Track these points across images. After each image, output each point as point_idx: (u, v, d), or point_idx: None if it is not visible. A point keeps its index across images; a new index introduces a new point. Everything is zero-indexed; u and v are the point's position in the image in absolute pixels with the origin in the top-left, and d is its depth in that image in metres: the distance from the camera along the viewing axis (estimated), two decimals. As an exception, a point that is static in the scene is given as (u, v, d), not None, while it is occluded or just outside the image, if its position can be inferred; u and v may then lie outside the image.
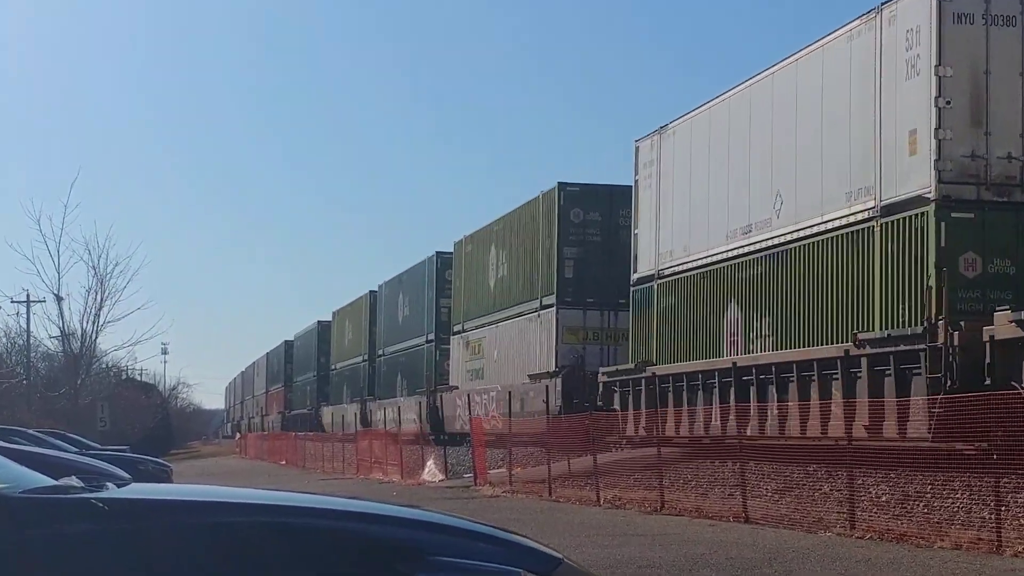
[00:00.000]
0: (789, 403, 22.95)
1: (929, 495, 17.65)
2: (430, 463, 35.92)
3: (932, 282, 19.43)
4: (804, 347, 22.99)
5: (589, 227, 37.06)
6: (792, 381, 23.07)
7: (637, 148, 31.16)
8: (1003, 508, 14.52)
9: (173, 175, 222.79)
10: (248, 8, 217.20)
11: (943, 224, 19.55)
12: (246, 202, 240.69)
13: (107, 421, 53.37)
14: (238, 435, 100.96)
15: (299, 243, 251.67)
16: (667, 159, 29.43)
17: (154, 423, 68.66)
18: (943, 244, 19.51)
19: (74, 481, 4.54)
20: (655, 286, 29.83)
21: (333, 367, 73.05)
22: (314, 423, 73.03)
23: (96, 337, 53.48)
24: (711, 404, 26.08)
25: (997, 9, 19.79)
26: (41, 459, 14.26)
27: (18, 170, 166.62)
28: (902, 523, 16.02)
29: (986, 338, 18.26)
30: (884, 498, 18.18)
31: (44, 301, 54.60)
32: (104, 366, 62.99)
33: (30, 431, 27.53)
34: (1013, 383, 17.38)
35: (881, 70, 20.91)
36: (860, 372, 20.91)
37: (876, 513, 16.96)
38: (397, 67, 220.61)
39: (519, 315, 39.91)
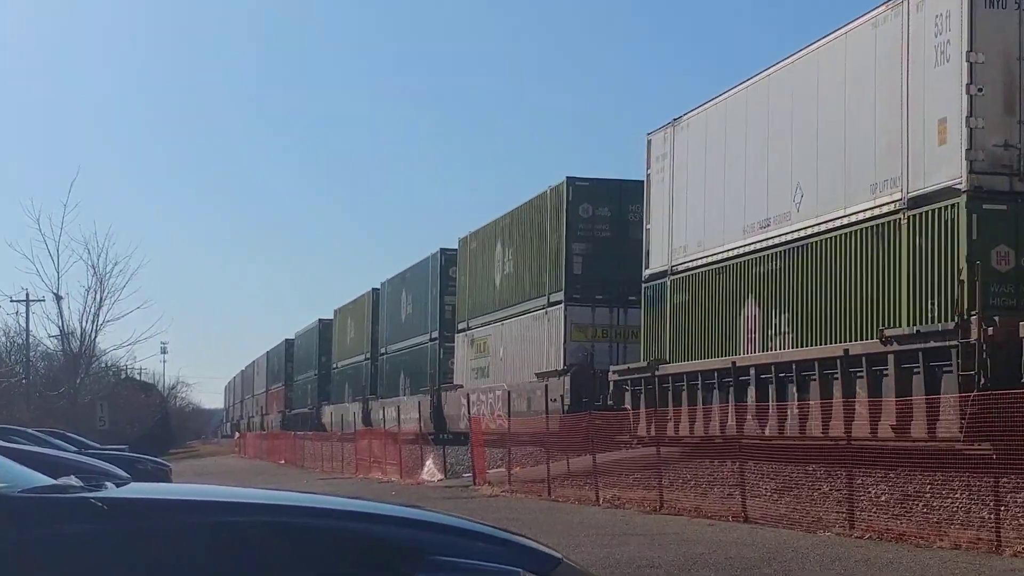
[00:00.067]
0: (810, 402, 22.23)
1: (928, 495, 17.54)
2: (429, 463, 35.83)
3: (964, 276, 18.72)
4: (826, 344, 22.27)
5: (598, 223, 36.35)
6: (814, 379, 22.34)
7: (649, 141, 30.42)
8: (1002, 508, 14.45)
9: (172, 174, 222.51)
10: (248, 8, 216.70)
11: (975, 216, 18.84)
12: (246, 201, 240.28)
13: (106, 420, 53.44)
14: (237, 434, 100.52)
15: (299, 242, 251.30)
16: (681, 152, 28.70)
17: (153, 422, 69.19)
18: (975, 237, 18.79)
19: (73, 480, 4.54)
20: (668, 282, 29.11)
21: (334, 366, 72.32)
22: (315, 422, 72.36)
23: (95, 336, 53.80)
24: (727, 403, 25.36)
25: (1031, -7, 19.09)
26: (40, 458, 14.11)
27: (18, 169, 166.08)
28: (901, 523, 15.98)
29: (1022, 334, 17.56)
30: (883, 498, 18.06)
31: (43, 300, 54.76)
32: (103, 365, 63.35)
33: (29, 430, 27.44)
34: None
35: (909, 57, 20.19)
36: (887, 370, 20.20)
37: (875, 513, 16.89)
38: (398, 64, 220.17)
39: (526, 312, 39.18)
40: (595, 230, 36.34)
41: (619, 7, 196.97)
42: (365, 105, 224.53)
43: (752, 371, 24.42)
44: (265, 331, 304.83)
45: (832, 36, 22.66)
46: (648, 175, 30.57)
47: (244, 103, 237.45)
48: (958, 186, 19.04)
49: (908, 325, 19.87)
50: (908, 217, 20.14)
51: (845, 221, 21.95)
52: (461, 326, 46.41)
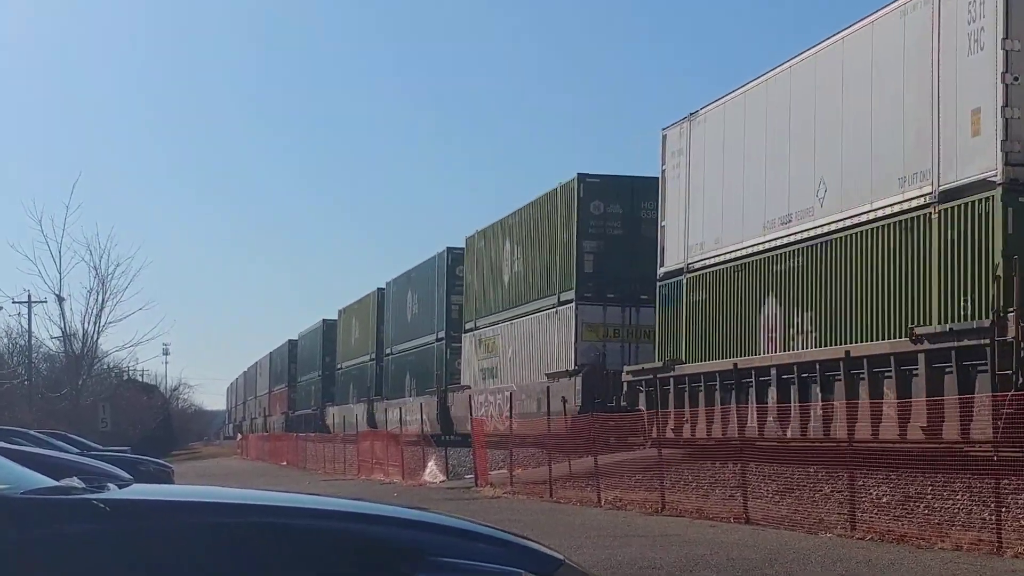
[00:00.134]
0: (835, 403, 21.52)
1: (930, 496, 17.45)
2: (431, 464, 35.64)
3: (999, 272, 18.01)
4: (851, 343, 21.57)
5: (610, 220, 35.66)
6: (838, 380, 21.63)
7: (664, 136, 29.72)
8: (1003, 509, 14.41)
9: (174, 175, 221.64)
10: (248, 8, 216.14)
11: (1010, 209, 18.14)
12: (248, 202, 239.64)
13: (108, 422, 53.32)
14: (239, 436, 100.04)
15: (300, 243, 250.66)
16: (697, 147, 28.00)
17: (155, 424, 69.28)
18: (1011, 231, 18.09)
19: (75, 482, 4.53)
20: (684, 280, 28.42)
21: (339, 366, 71.63)
22: (319, 424, 71.70)
23: (97, 338, 53.92)
24: (747, 404, 24.64)
25: (1069, -22, 18.39)
26: (42, 460, 14.12)
27: (19, 170, 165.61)
28: (903, 524, 15.96)
29: (1062, 332, 16.90)
30: (885, 499, 17.95)
31: (45, 302, 54.79)
32: (105, 367, 63.56)
33: (31, 432, 27.57)
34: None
35: (939, 45, 19.50)
36: (917, 370, 19.50)
37: (877, 514, 16.85)
38: (398, 64, 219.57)
39: (536, 311, 38.48)
40: (607, 227, 35.66)
41: (619, 7, 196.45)
42: (365, 105, 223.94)
43: (773, 371, 23.73)
44: (267, 332, 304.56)
45: (858, 25, 21.97)
46: (663, 171, 29.87)
47: (244, 103, 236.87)
48: (993, 178, 18.34)
49: (940, 323, 19.19)
50: (939, 211, 19.44)
51: (871, 216, 21.26)
52: (468, 326, 45.72)
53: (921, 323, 19.61)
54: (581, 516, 20.17)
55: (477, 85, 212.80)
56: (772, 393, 23.82)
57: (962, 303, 18.88)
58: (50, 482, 4.60)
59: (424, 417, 47.65)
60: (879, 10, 21.31)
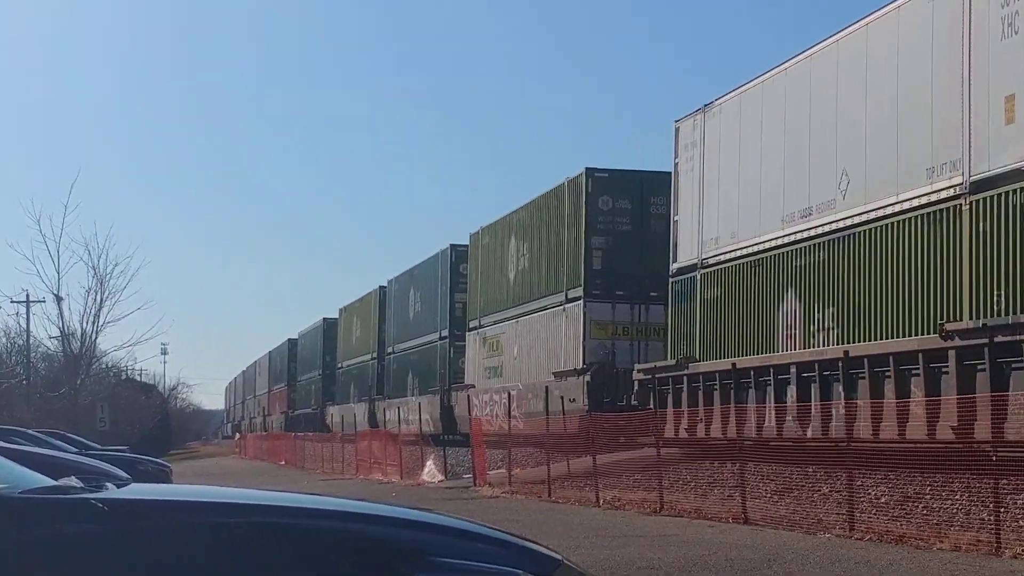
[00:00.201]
0: (859, 402, 20.77)
1: (928, 496, 17.42)
2: (429, 464, 35.53)
3: (1036, 265, 17.30)
4: (876, 340, 20.83)
5: (619, 215, 34.88)
6: (863, 378, 20.90)
7: (677, 129, 28.98)
8: (1002, 510, 14.40)
9: (173, 175, 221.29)
10: (248, 8, 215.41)
11: (1047, 200, 17.43)
12: (247, 202, 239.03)
13: (107, 421, 53.12)
14: (238, 435, 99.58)
15: (300, 242, 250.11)
16: (712, 139, 27.26)
17: (153, 423, 68.69)
18: (1047, 222, 17.38)
19: (74, 481, 4.52)
20: (698, 276, 27.66)
21: (339, 365, 70.83)
22: (319, 423, 70.97)
23: (96, 337, 53.66)
24: (765, 403, 23.94)
25: (1107, -41, 17.64)
26: (41, 459, 14.04)
27: (18, 170, 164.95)
28: (901, 525, 15.96)
29: (1105, 327, 16.17)
30: (883, 499, 17.88)
31: (44, 301, 54.72)
32: (104, 366, 63.24)
33: (30, 431, 27.49)
34: None
35: (971, 30, 18.76)
36: (947, 367, 18.75)
37: (875, 515, 16.84)
38: (398, 64, 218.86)
39: (542, 309, 37.70)
40: (615, 223, 34.88)
41: (619, 7, 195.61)
42: (365, 105, 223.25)
43: (793, 369, 22.99)
44: (266, 332, 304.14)
45: (882, 11, 21.22)
46: (675, 164, 29.13)
47: (244, 103, 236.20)
48: (1028, 168, 17.63)
49: (971, 318, 18.44)
50: (970, 202, 18.70)
51: (897, 208, 20.51)
52: (472, 324, 44.95)
53: (951, 319, 18.88)
54: (579, 516, 20.12)
55: (477, 85, 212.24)
56: (791, 392, 23.10)
57: (995, 297, 18.14)
58: (48, 481, 4.59)
59: (427, 416, 47.01)
60: (906, -6, 20.59)
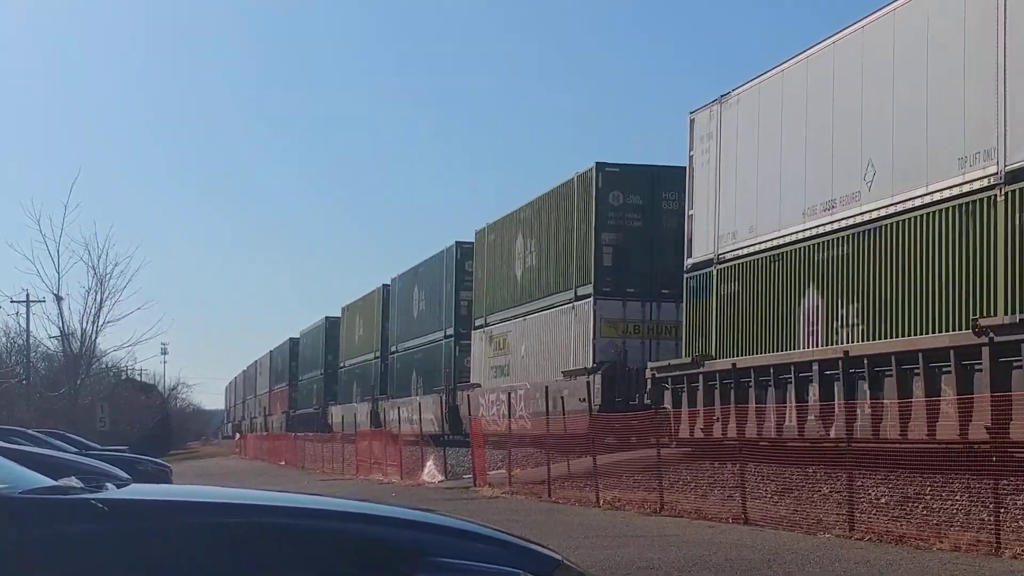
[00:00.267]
0: (885, 401, 20.05)
1: (928, 497, 17.36)
2: (429, 464, 35.41)
3: (1078, 257, 16.56)
4: (905, 336, 20.09)
5: (629, 211, 34.11)
6: (890, 375, 20.16)
7: (692, 121, 28.22)
8: (1002, 510, 14.38)
9: (173, 175, 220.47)
10: (248, 8, 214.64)
11: (1089, 190, 16.70)
12: (246, 201, 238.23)
13: (106, 421, 53.01)
14: (238, 435, 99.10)
15: (300, 242, 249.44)
16: (729, 131, 26.50)
17: (153, 423, 68.70)
18: (1089, 213, 16.65)
19: (74, 481, 4.53)
20: (714, 272, 26.90)
21: (342, 365, 70.05)
22: (321, 423, 70.24)
23: (96, 337, 53.67)
24: (785, 402, 23.20)
25: None
26: (40, 459, 14.01)
27: (18, 170, 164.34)
28: (901, 525, 15.95)
29: None
30: (883, 500, 17.81)
31: (44, 301, 54.85)
32: (104, 366, 63.36)
33: (30, 431, 27.56)
34: None
35: (1006, 12, 18.02)
36: (980, 364, 18.01)
37: (875, 515, 16.81)
38: (398, 64, 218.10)
39: (551, 307, 36.94)
40: (626, 219, 34.12)
41: (619, 7, 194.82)
42: (365, 105, 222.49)
43: (815, 367, 22.24)
44: (266, 332, 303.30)
45: (910, -4, 20.49)
46: (690, 157, 28.36)
47: (244, 103, 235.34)
48: (1069, 157, 16.89)
49: (1007, 314, 17.70)
50: (1006, 193, 17.95)
51: (927, 200, 19.75)
52: (478, 322, 44.19)
53: (985, 314, 18.14)
54: (579, 516, 20.16)
55: (477, 85, 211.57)
56: (813, 390, 22.36)
57: (1033, 292, 17.42)
58: (48, 482, 4.58)
59: (432, 416, 46.25)
60: (936, -22, 19.84)
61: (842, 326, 22.02)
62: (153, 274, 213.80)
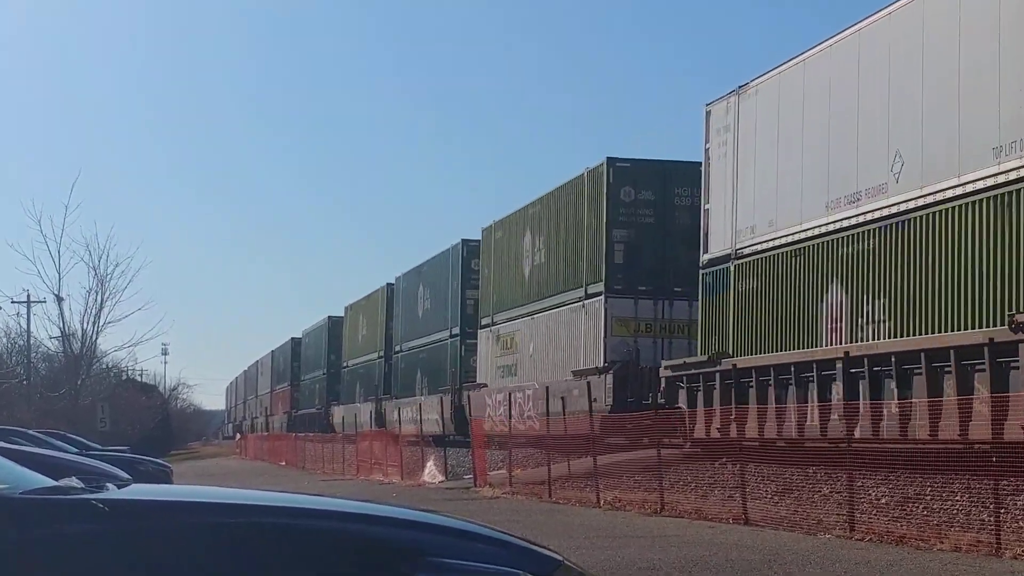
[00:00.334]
0: (914, 400, 19.34)
1: (928, 497, 17.29)
2: (430, 464, 35.30)
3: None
4: (935, 333, 19.37)
5: (641, 207, 33.37)
6: (919, 373, 19.44)
7: (708, 113, 27.50)
8: (1002, 511, 14.36)
9: (174, 175, 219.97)
10: (248, 8, 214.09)
11: None
12: (246, 201, 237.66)
13: (107, 422, 53.21)
14: (238, 436, 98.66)
15: (300, 243, 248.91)
16: (747, 122, 25.78)
17: (154, 424, 69.08)
18: None
19: (74, 482, 4.54)
20: (731, 267, 26.17)
21: (345, 364, 69.28)
22: (323, 423, 69.52)
23: (96, 338, 53.72)
24: (807, 402, 22.48)
25: None
26: (41, 460, 13.98)
27: (18, 170, 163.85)
28: (901, 525, 15.92)
29: None
30: (883, 500, 17.74)
31: (44, 302, 54.83)
32: (104, 367, 63.57)
33: (30, 431, 27.64)
34: None
35: (1045, -4, 17.33)
36: (1017, 361, 17.30)
37: (875, 515, 16.77)
38: (398, 64, 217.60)
39: (560, 305, 36.20)
40: (638, 215, 33.38)
41: (619, 7, 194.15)
42: (365, 105, 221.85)
43: (839, 364, 21.52)
44: (266, 332, 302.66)
45: (941, -19, 19.78)
46: (706, 150, 27.64)
47: (244, 103, 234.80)
48: (1113, 144, 16.17)
49: (1047, 309, 16.99)
50: (1044, 183, 17.26)
51: (959, 191, 19.03)
52: (485, 321, 43.44)
53: (1021, 309, 17.42)
54: (580, 516, 20.19)
55: (477, 85, 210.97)
56: (837, 389, 21.65)
57: (1073, 286, 16.71)
58: (49, 482, 4.58)
59: (437, 416, 45.52)
60: (968, -38, 19.12)
61: (868, 322, 21.31)
62: (154, 274, 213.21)
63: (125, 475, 15.97)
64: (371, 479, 37.73)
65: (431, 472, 34.51)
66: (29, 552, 4.06)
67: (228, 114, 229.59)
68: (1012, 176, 17.87)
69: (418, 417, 47.09)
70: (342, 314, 72.30)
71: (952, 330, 18.96)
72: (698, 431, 26.08)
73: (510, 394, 38.33)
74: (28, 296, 55.84)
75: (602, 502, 22.23)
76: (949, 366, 18.69)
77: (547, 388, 34.03)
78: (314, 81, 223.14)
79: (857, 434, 21.00)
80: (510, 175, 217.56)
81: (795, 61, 24.07)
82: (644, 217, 33.34)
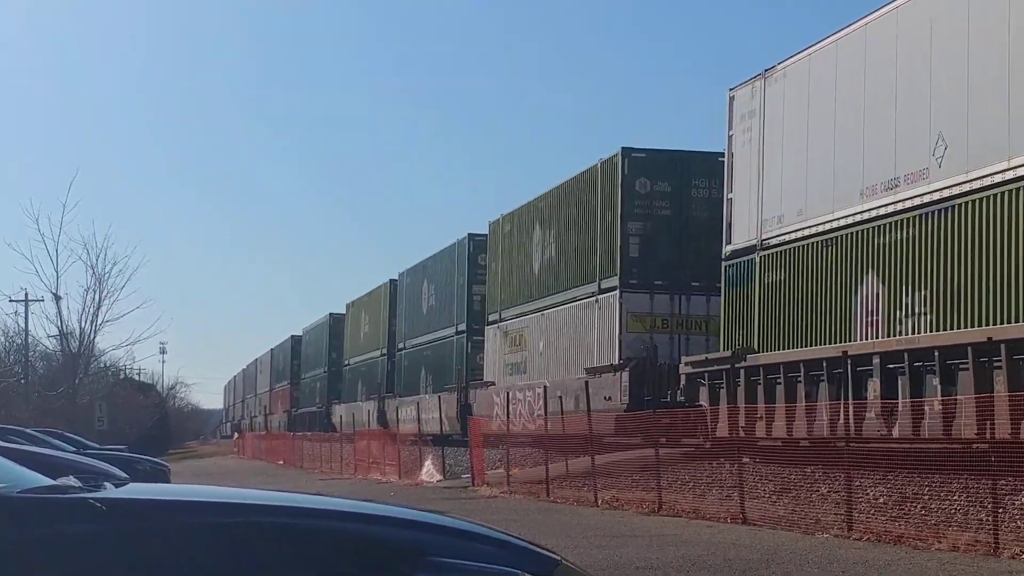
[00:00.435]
0: (960, 396, 18.23)
1: (927, 497, 17.21)
2: (428, 463, 35.18)
3: None
4: (982, 326, 18.26)
5: (657, 199, 32.25)
6: (964, 369, 18.34)
7: (732, 98, 26.36)
8: (1000, 510, 14.31)
9: (172, 174, 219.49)
10: (248, 8, 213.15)
11: None
12: (246, 201, 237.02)
13: (105, 420, 53.41)
14: (236, 435, 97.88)
15: (300, 243, 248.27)
16: (774, 107, 24.65)
17: (152, 423, 69.06)
18: None
19: (72, 481, 4.50)
20: (756, 259, 25.02)
21: (346, 362, 68.15)
22: (324, 422, 68.41)
23: (94, 336, 53.35)
24: (840, 399, 21.34)
25: None
26: (39, 458, 13.86)
27: (17, 169, 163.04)
28: (899, 525, 15.92)
29: None
30: (881, 500, 17.65)
31: (42, 300, 54.70)
32: (102, 365, 63.24)
33: (28, 430, 27.57)
34: None
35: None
36: (1076, 355, 16.22)
37: (873, 515, 16.76)
38: (398, 64, 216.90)
39: (572, 301, 35.07)
40: (653, 207, 32.27)
41: (619, 7, 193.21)
42: (365, 105, 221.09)
43: (876, 360, 20.41)
44: (265, 332, 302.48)
45: (987, -47, 18.66)
46: (729, 137, 26.49)
47: (244, 103, 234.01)
48: None
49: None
50: (1105, 165, 16.15)
51: (1009, 175, 17.88)
52: (492, 317, 42.31)
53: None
54: (578, 516, 20.19)
55: (477, 85, 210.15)
56: (874, 386, 20.54)
57: None
58: (47, 481, 4.57)
59: (443, 415, 44.36)
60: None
61: (907, 315, 20.19)
62: (152, 274, 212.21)
63: (123, 474, 16.05)
64: (369, 478, 37.54)
65: (429, 471, 34.25)
66: (27, 551, 4.04)
67: (228, 114, 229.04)
68: (1069, 158, 16.77)
69: (423, 416, 46.02)
70: (343, 311, 71.16)
71: (1001, 323, 17.85)
72: (721, 430, 24.94)
73: (519, 392, 37.26)
74: (26, 295, 55.96)
75: (600, 501, 22.15)
76: (1000, 361, 17.58)
77: (558, 386, 32.95)
78: (314, 81, 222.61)
79: (895, 433, 19.94)
80: (510, 175, 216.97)
81: (827, 41, 22.95)
82: (660, 209, 32.26)
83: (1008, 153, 17.90)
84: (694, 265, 31.46)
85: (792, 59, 24.15)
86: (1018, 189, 17.71)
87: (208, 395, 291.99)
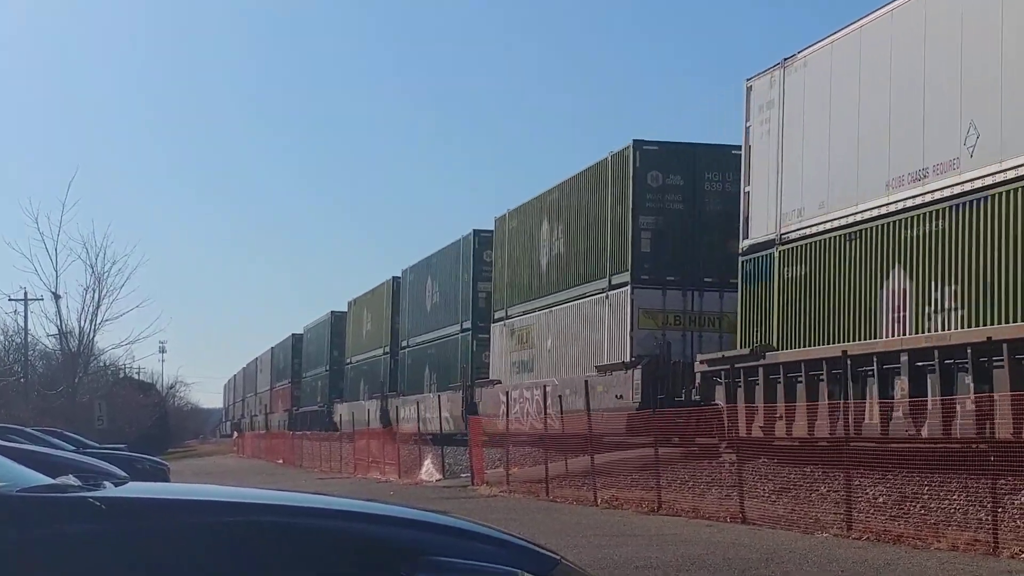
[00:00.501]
0: (994, 395, 17.51)
1: (926, 496, 17.17)
2: (427, 462, 35.16)
3: None
4: (1018, 321, 17.54)
5: (669, 193, 31.52)
6: (1000, 366, 17.63)
7: (749, 88, 25.62)
8: (1000, 510, 14.27)
9: (172, 174, 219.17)
10: (248, 8, 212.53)
11: None
12: (246, 201, 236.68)
13: (104, 419, 53.12)
14: (236, 434, 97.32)
15: (300, 242, 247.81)
16: (794, 98, 23.92)
17: (151, 422, 68.68)
18: None
19: (71, 480, 4.51)
20: (775, 254, 24.30)
21: (348, 361, 67.39)
22: (326, 421, 67.68)
23: (94, 335, 53.31)
24: (866, 398, 20.65)
25: None
26: (38, 457, 13.82)
27: (17, 169, 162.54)
28: (899, 524, 15.91)
29: None
30: (881, 499, 17.60)
31: (42, 299, 54.49)
32: (102, 364, 63.41)
33: (27, 429, 27.47)
34: None
35: None
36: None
37: (873, 514, 16.73)
38: (398, 64, 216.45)
39: (581, 297, 34.33)
40: (665, 201, 31.52)
41: (619, 7, 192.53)
42: (365, 105, 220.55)
43: (904, 357, 19.69)
44: (264, 331, 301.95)
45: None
46: (747, 128, 25.75)
47: (244, 103, 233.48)
48: None
49: None
50: None
51: (1046, 164, 17.21)
52: (498, 315, 41.57)
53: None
54: (577, 515, 20.18)
55: (477, 85, 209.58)
56: (901, 384, 19.82)
57: None
58: (46, 480, 4.57)
59: (447, 414, 43.63)
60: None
61: (936, 311, 19.46)
62: (152, 273, 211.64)
63: (122, 473, 16.02)
64: (368, 477, 37.40)
65: (428, 471, 34.11)
66: (26, 550, 4.02)
67: (228, 114, 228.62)
68: (1112, 146, 16.05)
69: (427, 415, 45.30)
70: (345, 309, 70.42)
71: (1039, 318, 17.13)
72: (740, 430, 24.21)
73: (526, 391, 36.55)
74: (25, 294, 55.98)
75: (599, 501, 22.13)
76: (1037, 358, 16.87)
77: (567, 384, 32.24)
78: (314, 81, 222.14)
79: (925, 433, 19.23)
80: (511, 175, 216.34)
81: (849, 29, 22.22)
82: (672, 203, 31.53)
83: (1045, 141, 17.19)
84: (707, 260, 30.79)
85: (813, 47, 23.43)
86: (1056, 179, 17.00)
87: (208, 394, 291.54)
